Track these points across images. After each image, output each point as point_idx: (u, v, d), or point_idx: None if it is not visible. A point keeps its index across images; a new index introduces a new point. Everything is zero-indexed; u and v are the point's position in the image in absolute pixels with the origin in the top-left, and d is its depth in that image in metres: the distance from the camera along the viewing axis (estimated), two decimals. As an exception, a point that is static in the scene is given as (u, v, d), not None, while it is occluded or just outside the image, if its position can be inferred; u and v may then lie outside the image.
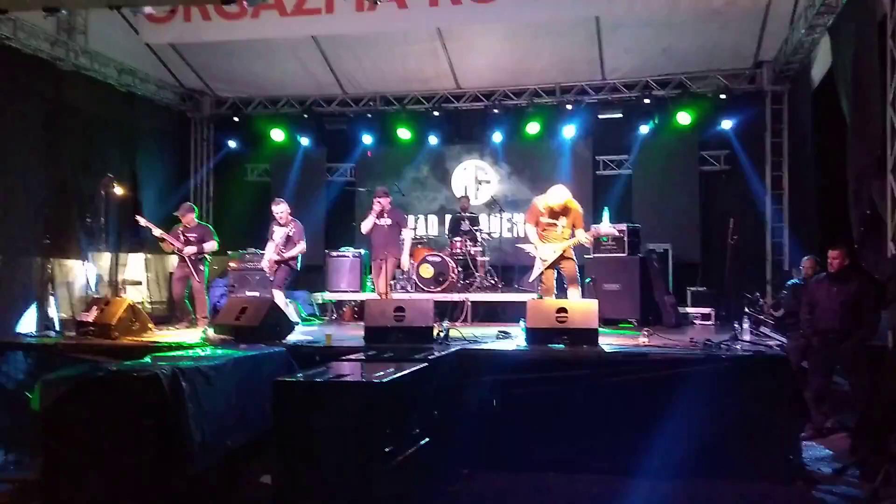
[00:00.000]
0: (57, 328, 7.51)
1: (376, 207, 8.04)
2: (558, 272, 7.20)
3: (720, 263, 8.63)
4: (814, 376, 6.24)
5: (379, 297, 7.83)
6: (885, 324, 5.88)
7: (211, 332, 6.77)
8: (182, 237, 7.96)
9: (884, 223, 5.88)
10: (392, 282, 8.76)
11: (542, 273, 7.12)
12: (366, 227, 8.11)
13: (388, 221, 8.09)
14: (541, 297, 7.09)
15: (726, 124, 10.17)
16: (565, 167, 10.75)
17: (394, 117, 11.10)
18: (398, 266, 8.36)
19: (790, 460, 5.13)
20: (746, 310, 7.80)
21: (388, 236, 8.09)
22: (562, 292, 7.21)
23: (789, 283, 7.81)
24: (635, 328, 7.78)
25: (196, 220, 8.15)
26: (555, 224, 7.07)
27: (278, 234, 7.84)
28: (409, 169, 11.52)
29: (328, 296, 9.96)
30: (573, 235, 7.06)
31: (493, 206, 10.92)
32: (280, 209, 7.89)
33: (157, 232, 7.96)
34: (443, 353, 5.55)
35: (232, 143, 11.78)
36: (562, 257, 7.05)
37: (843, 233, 6.79)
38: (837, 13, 7.21)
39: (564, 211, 7.03)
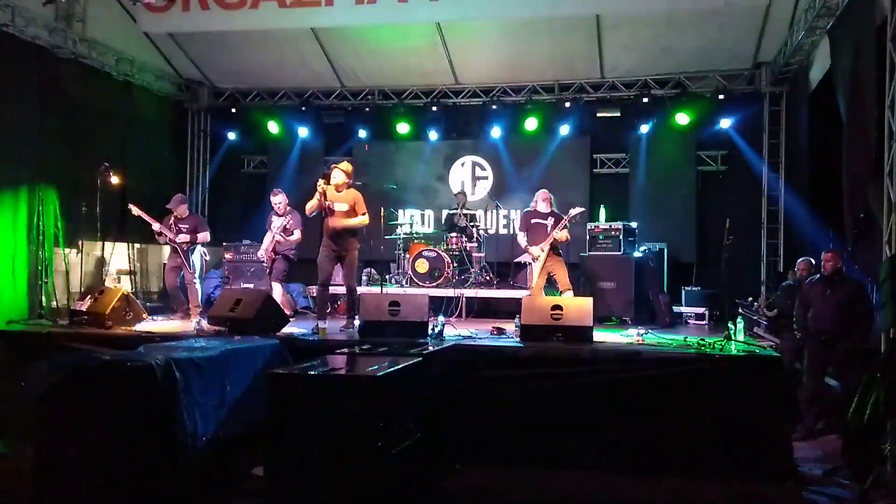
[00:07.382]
0: (50, 317, 7.47)
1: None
2: (550, 281, 7.48)
3: (715, 263, 8.65)
4: (807, 378, 6.28)
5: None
6: (879, 326, 5.90)
7: (205, 323, 6.76)
8: (175, 227, 7.97)
9: (878, 226, 5.89)
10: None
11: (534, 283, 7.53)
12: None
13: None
14: None
15: (724, 125, 10.15)
16: (563, 164, 10.77)
17: (392, 111, 11.05)
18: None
19: (781, 461, 5.16)
20: (740, 310, 7.84)
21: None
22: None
23: (783, 284, 7.83)
24: (618, 324, 8.10)
25: (188, 212, 8.18)
26: (544, 224, 7.57)
27: (276, 224, 7.85)
28: (406, 163, 11.50)
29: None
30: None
31: (490, 202, 10.91)
32: (278, 200, 7.94)
33: (155, 226, 7.97)
34: (437, 348, 5.56)
35: (229, 135, 11.72)
36: (552, 258, 7.42)
37: (837, 235, 6.81)
38: (837, 16, 7.20)
39: (551, 213, 7.63)
